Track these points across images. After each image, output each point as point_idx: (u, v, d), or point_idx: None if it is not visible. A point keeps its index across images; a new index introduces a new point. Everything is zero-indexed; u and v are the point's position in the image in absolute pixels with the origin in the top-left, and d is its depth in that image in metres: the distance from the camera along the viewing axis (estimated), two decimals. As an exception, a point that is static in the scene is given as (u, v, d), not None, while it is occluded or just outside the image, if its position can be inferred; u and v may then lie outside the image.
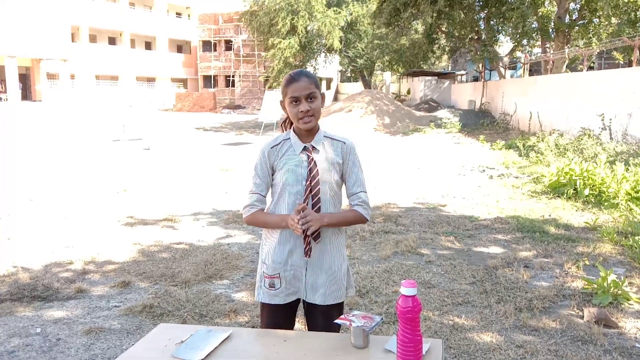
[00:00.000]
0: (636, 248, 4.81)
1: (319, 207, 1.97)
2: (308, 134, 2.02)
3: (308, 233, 1.93)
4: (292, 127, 2.07)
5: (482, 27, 20.99)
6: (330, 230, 2.02)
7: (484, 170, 9.85)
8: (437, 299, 3.75)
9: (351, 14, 27.56)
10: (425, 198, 7.40)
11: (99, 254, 4.85)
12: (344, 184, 2.09)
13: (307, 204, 1.96)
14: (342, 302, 2.08)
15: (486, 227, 5.78)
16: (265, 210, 2.05)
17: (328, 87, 46.35)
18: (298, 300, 2.08)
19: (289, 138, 2.04)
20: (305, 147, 2.01)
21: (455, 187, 8.14)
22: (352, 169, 2.04)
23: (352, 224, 2.07)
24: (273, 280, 2.02)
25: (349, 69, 36.24)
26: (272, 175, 2.03)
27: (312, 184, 1.97)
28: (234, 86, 44.13)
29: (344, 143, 2.05)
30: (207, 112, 34.94)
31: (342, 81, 49.05)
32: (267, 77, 31.37)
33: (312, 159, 1.98)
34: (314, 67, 29.14)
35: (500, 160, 10.96)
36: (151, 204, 7.07)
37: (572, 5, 19.52)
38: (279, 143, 2.04)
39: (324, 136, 2.05)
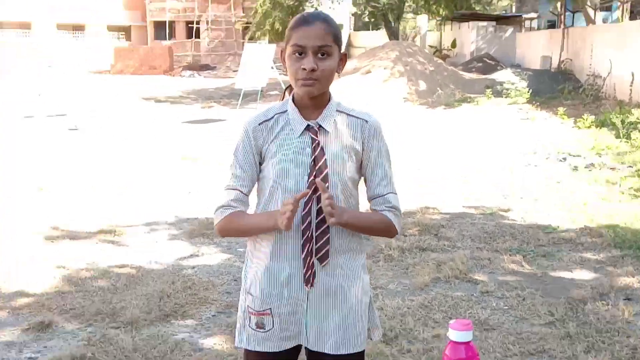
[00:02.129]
0: None
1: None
2: (313, 105, 2.02)
3: (329, 222, 1.92)
4: (292, 96, 2.06)
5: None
6: (345, 248, 2.03)
7: (564, 159, 9.84)
8: (499, 345, 3.76)
9: None
10: (479, 199, 7.40)
11: (5, 283, 4.86)
12: (362, 180, 2.10)
13: (314, 196, 1.97)
14: (363, 351, 2.09)
15: (569, 242, 5.78)
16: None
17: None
18: (298, 347, 2.09)
19: (286, 111, 2.04)
20: (308, 125, 2.01)
21: (523, 183, 8.15)
22: (376, 160, 2.05)
23: (377, 234, 2.10)
24: (262, 319, 2.03)
25: (367, 12, 36.13)
26: (260, 165, 2.04)
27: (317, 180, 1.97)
28: (199, 37, 44.10)
29: (366, 122, 2.06)
30: (161, 75, 34.97)
31: (356, 29, 48.98)
32: (247, 23, 31.37)
33: (319, 143, 1.99)
34: (316, 8, 29.09)
35: (588, 144, 10.93)
36: (81, 209, 7.09)
37: None
38: (271, 118, 2.04)
39: (337, 110, 2.05)
